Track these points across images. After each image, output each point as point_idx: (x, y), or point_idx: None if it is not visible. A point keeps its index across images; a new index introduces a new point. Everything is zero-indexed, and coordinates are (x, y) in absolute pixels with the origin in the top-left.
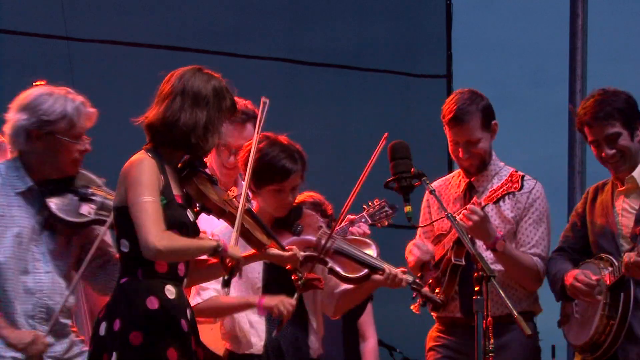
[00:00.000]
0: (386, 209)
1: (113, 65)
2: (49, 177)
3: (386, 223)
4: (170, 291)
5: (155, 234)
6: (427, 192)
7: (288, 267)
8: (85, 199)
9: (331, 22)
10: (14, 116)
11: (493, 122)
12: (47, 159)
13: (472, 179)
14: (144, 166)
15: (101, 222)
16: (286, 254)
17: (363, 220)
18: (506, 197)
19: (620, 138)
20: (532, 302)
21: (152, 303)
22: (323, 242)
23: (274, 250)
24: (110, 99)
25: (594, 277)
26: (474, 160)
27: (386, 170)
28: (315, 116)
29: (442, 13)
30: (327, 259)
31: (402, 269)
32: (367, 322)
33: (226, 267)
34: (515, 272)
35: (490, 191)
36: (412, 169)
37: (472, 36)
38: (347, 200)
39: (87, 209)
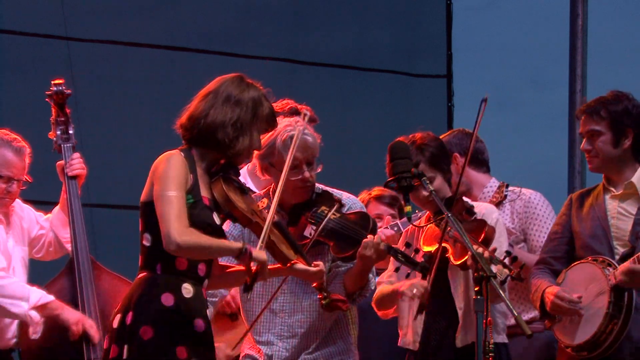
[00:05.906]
0: None
1: (113, 65)
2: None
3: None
4: (187, 290)
5: (178, 227)
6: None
7: (314, 284)
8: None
9: (331, 22)
10: None
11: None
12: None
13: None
14: (173, 162)
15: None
16: (312, 269)
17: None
18: (505, 208)
19: (600, 138)
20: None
21: (168, 300)
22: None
23: (300, 266)
24: (110, 99)
25: (575, 295)
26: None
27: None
28: None
29: (442, 13)
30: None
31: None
32: None
33: (250, 271)
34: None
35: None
36: (412, 169)
37: (472, 36)
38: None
39: (309, 231)
